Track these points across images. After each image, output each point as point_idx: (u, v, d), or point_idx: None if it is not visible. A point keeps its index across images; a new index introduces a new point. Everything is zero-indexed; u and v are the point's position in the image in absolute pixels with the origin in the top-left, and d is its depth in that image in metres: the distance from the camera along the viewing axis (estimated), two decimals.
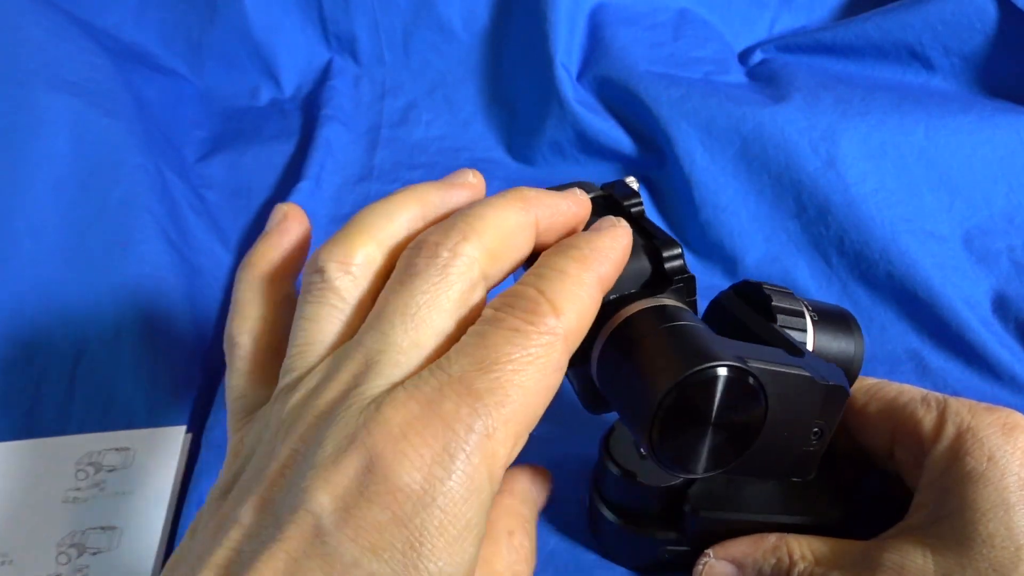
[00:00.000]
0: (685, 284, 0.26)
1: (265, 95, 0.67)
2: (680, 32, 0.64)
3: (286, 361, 0.22)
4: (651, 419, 0.22)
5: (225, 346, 0.26)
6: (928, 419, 0.29)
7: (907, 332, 0.47)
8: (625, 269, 0.25)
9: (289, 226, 0.26)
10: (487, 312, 0.21)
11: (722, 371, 0.22)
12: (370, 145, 0.63)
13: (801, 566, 0.28)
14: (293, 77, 0.67)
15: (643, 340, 0.24)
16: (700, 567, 0.31)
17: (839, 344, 0.29)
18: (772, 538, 0.29)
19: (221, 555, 0.18)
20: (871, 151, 0.52)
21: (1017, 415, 0.27)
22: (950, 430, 0.27)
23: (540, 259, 0.23)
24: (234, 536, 0.18)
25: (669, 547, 0.32)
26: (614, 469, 0.31)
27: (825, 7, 0.68)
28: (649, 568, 0.34)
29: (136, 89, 0.55)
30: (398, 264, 0.22)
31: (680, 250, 0.26)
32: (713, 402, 0.23)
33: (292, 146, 0.62)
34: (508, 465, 0.19)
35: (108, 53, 0.54)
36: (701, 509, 0.30)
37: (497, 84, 0.66)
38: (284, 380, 0.22)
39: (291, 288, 0.27)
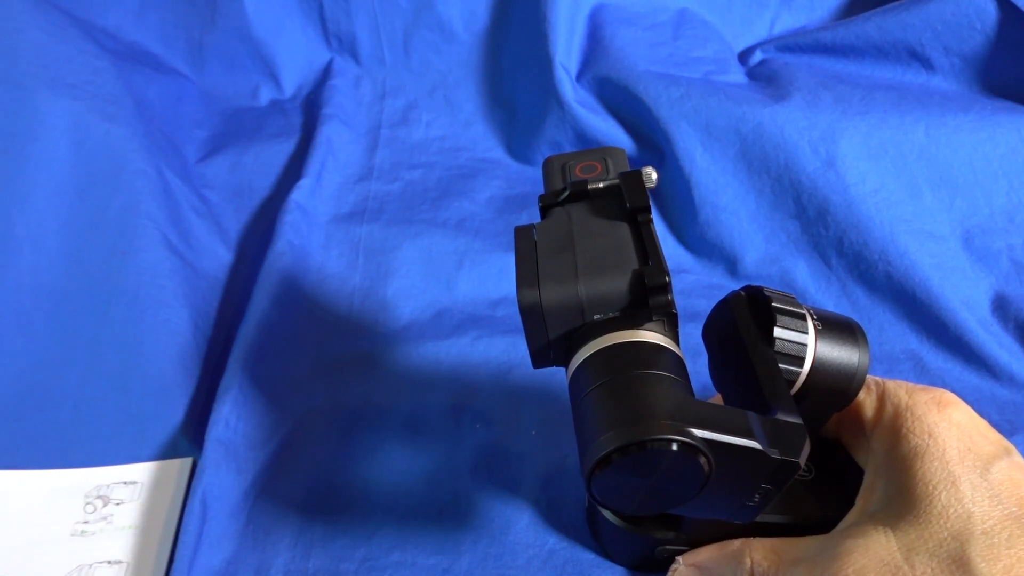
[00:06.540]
0: (668, 318, 0.27)
1: (266, 95, 0.67)
2: (680, 32, 0.64)
3: None
4: (591, 470, 0.24)
5: None
6: (868, 402, 0.30)
7: (906, 332, 0.47)
8: (613, 289, 0.26)
9: None
10: None
11: (664, 443, 0.23)
12: (370, 145, 0.63)
13: (764, 566, 0.28)
14: (294, 77, 0.67)
15: (607, 384, 0.25)
16: (670, 573, 0.32)
17: (841, 354, 0.29)
18: (736, 543, 0.30)
19: None
20: (871, 151, 0.52)
21: (948, 393, 0.29)
22: (889, 411, 0.29)
23: None
24: None
25: (667, 546, 0.32)
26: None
27: (825, 7, 0.68)
28: (647, 567, 0.34)
29: (137, 90, 0.55)
30: None
31: (667, 282, 0.25)
32: (653, 467, 0.23)
33: (293, 145, 0.62)
34: None
35: (109, 54, 0.54)
36: None
37: (497, 84, 0.66)
38: None
39: None
